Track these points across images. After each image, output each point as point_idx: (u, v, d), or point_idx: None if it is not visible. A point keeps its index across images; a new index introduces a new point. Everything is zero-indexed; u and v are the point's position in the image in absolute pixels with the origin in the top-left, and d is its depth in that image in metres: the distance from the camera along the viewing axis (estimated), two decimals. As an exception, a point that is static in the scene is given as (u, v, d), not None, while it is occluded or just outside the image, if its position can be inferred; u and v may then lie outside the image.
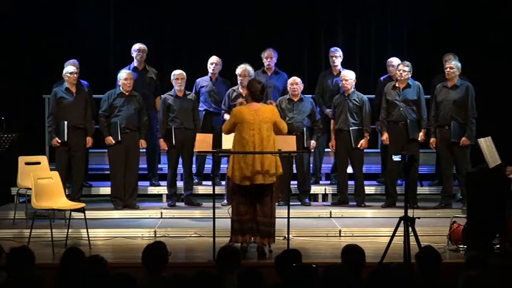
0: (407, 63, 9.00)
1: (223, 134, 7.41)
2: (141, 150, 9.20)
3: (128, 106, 8.95)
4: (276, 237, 7.32)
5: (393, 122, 9.02)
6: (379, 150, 9.92)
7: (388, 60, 9.59)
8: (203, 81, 9.56)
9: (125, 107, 8.94)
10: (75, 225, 8.05)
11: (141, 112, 9.04)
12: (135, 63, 9.55)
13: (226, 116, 8.94)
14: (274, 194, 7.29)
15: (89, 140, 8.99)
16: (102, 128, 8.99)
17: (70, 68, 8.96)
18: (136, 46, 9.53)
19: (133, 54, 9.53)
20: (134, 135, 9.00)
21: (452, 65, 8.80)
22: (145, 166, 9.71)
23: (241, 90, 9.03)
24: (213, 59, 9.51)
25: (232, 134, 7.22)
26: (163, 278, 4.82)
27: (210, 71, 9.52)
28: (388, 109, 9.04)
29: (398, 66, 9.03)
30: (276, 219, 7.28)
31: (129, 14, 10.77)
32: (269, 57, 9.55)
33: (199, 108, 9.43)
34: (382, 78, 9.74)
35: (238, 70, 9.06)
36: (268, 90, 9.42)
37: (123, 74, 8.97)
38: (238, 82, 9.08)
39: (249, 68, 9.05)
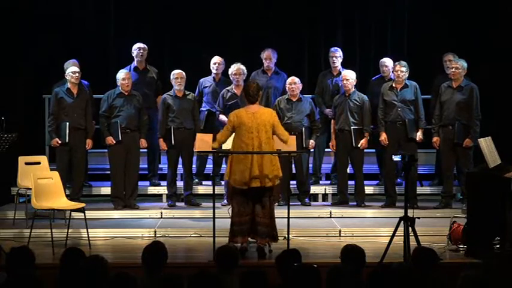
0: (403, 63, 8.98)
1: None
2: (141, 150, 9.21)
3: (128, 106, 8.95)
4: (277, 236, 7.30)
5: (391, 122, 9.02)
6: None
7: (381, 60, 9.58)
8: (206, 82, 9.56)
9: (124, 107, 8.94)
10: (75, 225, 8.05)
11: (140, 111, 9.05)
12: (135, 63, 9.55)
13: (222, 117, 8.94)
14: (274, 195, 7.30)
15: (89, 143, 8.98)
16: (102, 128, 8.99)
17: (73, 68, 8.96)
18: (137, 45, 9.53)
19: (134, 53, 9.53)
20: (134, 135, 9.00)
21: (458, 65, 8.77)
22: (145, 166, 9.71)
23: (235, 90, 9.03)
24: (216, 59, 9.51)
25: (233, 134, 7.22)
26: (163, 278, 4.82)
27: (213, 71, 9.51)
28: (386, 109, 9.05)
29: (395, 67, 9.01)
30: (276, 219, 7.28)
31: (129, 14, 10.77)
32: (268, 59, 9.55)
33: (202, 109, 9.44)
34: (374, 78, 9.75)
35: (232, 69, 9.06)
36: (269, 91, 9.44)
37: (121, 74, 8.98)
38: (233, 81, 9.08)
39: (242, 67, 9.06)
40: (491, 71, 9.67)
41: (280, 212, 7.52)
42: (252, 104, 7.21)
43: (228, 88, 9.14)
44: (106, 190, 9.35)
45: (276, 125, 7.19)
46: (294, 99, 9.13)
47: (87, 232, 7.72)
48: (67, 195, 8.25)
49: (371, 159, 9.81)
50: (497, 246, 7.16)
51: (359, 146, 9.08)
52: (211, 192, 7.53)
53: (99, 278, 4.59)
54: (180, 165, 9.26)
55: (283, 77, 9.61)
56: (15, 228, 8.28)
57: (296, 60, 10.82)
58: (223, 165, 9.08)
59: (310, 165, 9.54)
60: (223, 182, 9.22)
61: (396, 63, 9.07)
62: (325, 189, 9.67)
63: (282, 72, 9.69)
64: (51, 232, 7.51)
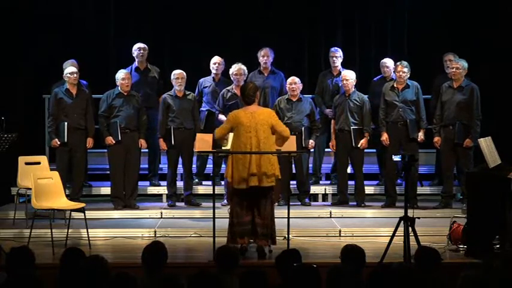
0: (405, 63, 8.98)
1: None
2: (142, 150, 9.20)
3: (127, 106, 8.95)
4: (276, 238, 7.31)
5: (392, 123, 9.02)
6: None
7: (382, 61, 9.60)
8: (206, 82, 9.56)
9: (124, 107, 8.94)
10: (75, 225, 8.05)
11: (140, 111, 9.05)
12: (136, 63, 9.56)
13: (221, 117, 8.93)
14: (274, 195, 7.29)
15: (90, 141, 8.99)
16: (101, 129, 8.99)
17: (71, 69, 8.96)
18: (137, 45, 9.55)
19: (135, 53, 9.53)
20: (134, 135, 9.00)
21: (459, 65, 8.76)
22: (146, 166, 9.71)
23: (235, 90, 9.01)
24: (216, 59, 9.51)
25: (232, 134, 7.21)
26: (163, 278, 4.82)
27: (213, 71, 9.51)
28: (387, 110, 9.05)
29: (397, 68, 9.01)
30: (276, 219, 7.28)
31: (129, 14, 10.77)
32: (266, 56, 9.53)
33: (202, 109, 9.44)
34: (375, 78, 9.76)
35: (233, 69, 9.05)
36: (266, 91, 9.44)
37: (121, 74, 8.97)
38: (234, 82, 9.07)
39: (243, 67, 9.06)
40: (491, 71, 9.67)
41: (280, 212, 7.52)
42: (249, 105, 7.21)
43: (228, 88, 9.13)
44: (106, 190, 9.35)
45: (276, 124, 7.17)
46: (294, 99, 9.13)
47: (87, 232, 7.72)
48: (67, 195, 8.25)
49: (371, 159, 9.81)
50: (497, 246, 7.16)
51: (359, 146, 9.09)
52: (211, 192, 7.53)
53: (99, 278, 4.59)
54: (180, 165, 9.26)
55: (280, 76, 9.61)
56: (15, 228, 8.28)
57: (296, 60, 10.82)
58: (223, 165, 9.09)
59: (310, 165, 9.54)
60: (223, 182, 9.23)
61: (398, 63, 9.06)
62: (325, 189, 9.67)
63: (279, 71, 9.68)
64: (51, 232, 7.51)
